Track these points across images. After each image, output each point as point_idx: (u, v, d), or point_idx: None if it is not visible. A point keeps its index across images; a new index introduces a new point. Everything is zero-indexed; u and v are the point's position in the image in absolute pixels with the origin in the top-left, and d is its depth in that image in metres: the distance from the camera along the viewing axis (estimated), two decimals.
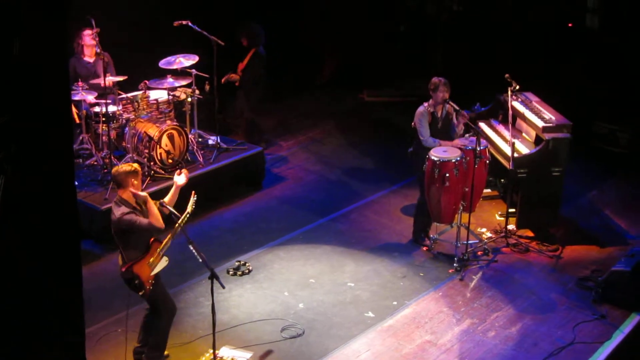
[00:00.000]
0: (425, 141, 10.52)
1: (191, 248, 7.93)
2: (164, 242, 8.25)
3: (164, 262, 8.26)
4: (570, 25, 15.84)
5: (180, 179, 8.44)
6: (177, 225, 8.09)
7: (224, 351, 8.75)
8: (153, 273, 8.14)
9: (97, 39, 11.56)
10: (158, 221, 8.09)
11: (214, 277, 7.90)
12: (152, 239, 8.17)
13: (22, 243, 5.38)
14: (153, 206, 8.14)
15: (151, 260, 8.13)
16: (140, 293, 8.18)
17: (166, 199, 8.34)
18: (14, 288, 5.49)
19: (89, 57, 11.94)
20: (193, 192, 8.44)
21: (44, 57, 4.92)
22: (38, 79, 4.88)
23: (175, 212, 8.12)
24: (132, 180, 8.10)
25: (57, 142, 5.24)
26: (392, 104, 16.48)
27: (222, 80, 12.98)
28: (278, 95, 15.55)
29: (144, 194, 8.22)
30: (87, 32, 11.67)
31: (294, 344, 9.03)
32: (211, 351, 8.31)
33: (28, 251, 5.47)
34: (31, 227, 5.41)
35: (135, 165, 8.20)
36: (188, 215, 8.22)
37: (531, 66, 15.08)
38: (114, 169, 8.30)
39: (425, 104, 10.57)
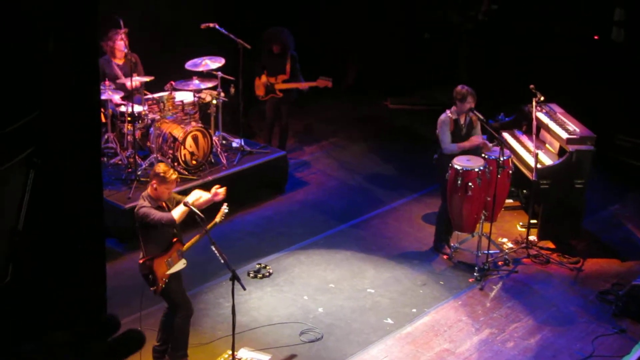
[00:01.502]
0: (446, 148, 10.55)
1: (213, 249, 7.98)
2: (186, 245, 8.32)
3: (181, 264, 8.32)
4: (596, 37, 15.80)
5: (217, 196, 8.44)
6: (203, 231, 8.15)
7: (242, 353, 8.78)
8: (169, 272, 8.20)
9: (125, 38, 11.63)
10: (177, 218, 8.15)
11: (235, 278, 7.94)
12: (175, 239, 8.24)
13: (47, 240, 5.42)
14: (180, 209, 8.20)
15: (169, 259, 8.20)
16: (152, 288, 8.24)
17: (195, 199, 8.36)
18: (36, 285, 5.53)
19: (119, 60, 11.99)
20: (225, 203, 8.51)
21: (75, 53, 4.97)
22: (69, 75, 4.92)
23: (198, 212, 8.16)
24: (154, 182, 8.16)
25: (85, 140, 5.28)
26: (416, 111, 16.49)
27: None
28: (301, 101, 15.57)
29: (181, 198, 8.33)
30: (120, 36, 11.69)
31: (312, 348, 9.06)
32: (230, 352, 8.35)
33: (53, 248, 5.51)
34: (57, 223, 5.45)
35: (171, 174, 8.19)
36: (215, 225, 8.31)
37: (555, 78, 15.05)
38: (157, 164, 8.42)
39: (448, 112, 10.59)
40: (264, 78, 13.06)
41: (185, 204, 8.18)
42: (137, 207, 8.21)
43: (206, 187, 11.12)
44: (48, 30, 4.55)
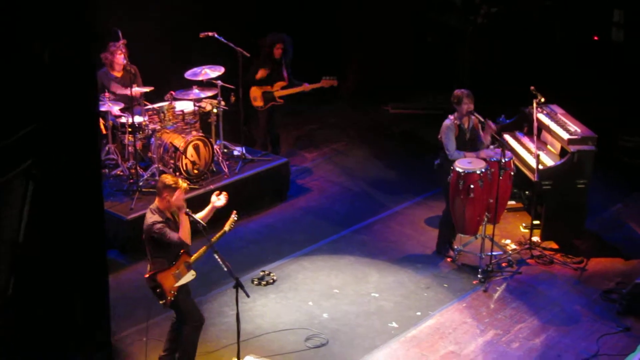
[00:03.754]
0: (451, 155, 10.53)
1: (216, 257, 7.98)
2: (193, 256, 8.31)
3: (190, 276, 8.30)
4: (595, 38, 15.82)
5: (219, 201, 8.48)
6: (211, 241, 8.15)
7: None
8: (177, 284, 8.19)
9: (124, 50, 11.66)
10: (187, 238, 8.16)
11: (238, 286, 7.94)
12: (182, 251, 8.22)
13: (48, 252, 5.43)
14: (187, 221, 8.20)
15: (177, 271, 8.18)
16: (161, 302, 8.23)
17: (200, 215, 8.37)
18: (38, 297, 5.54)
19: (117, 72, 12.02)
20: (234, 211, 8.50)
21: (72, 65, 4.99)
22: (66, 87, 4.94)
23: (200, 221, 8.17)
24: (166, 194, 8.14)
25: (84, 151, 5.29)
26: (417, 116, 16.49)
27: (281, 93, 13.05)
28: (302, 107, 15.60)
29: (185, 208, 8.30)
30: (119, 50, 11.71)
31: (318, 353, 9.06)
32: None
33: (53, 260, 5.52)
34: (57, 236, 5.46)
35: (181, 183, 8.19)
36: (225, 234, 8.32)
37: (557, 79, 15.08)
38: (162, 176, 8.38)
39: (451, 117, 10.58)
40: (255, 90, 13.00)
41: (187, 213, 8.18)
42: (149, 221, 8.10)
43: (208, 196, 11.18)
44: (44, 42, 4.58)
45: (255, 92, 13.06)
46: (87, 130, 5.13)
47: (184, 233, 8.16)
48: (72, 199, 5.33)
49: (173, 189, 8.12)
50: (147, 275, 8.17)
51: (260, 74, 12.99)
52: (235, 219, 8.47)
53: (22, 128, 4.47)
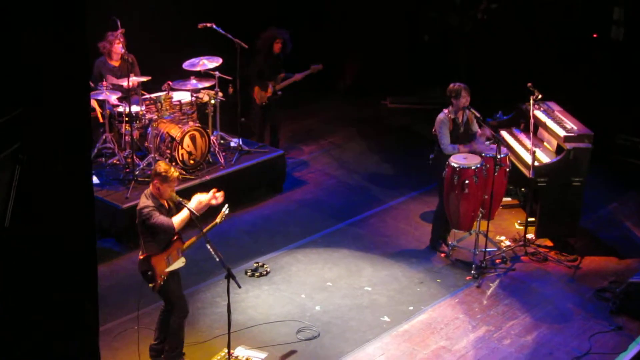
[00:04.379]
0: (445, 149, 10.53)
1: (208, 247, 7.97)
2: (186, 243, 8.31)
3: (180, 263, 8.30)
4: (595, 35, 15.79)
5: (214, 199, 8.37)
6: (202, 231, 8.13)
7: (239, 351, 8.79)
8: (168, 270, 8.19)
9: (122, 39, 11.64)
10: (179, 225, 8.14)
11: (230, 276, 7.94)
12: (175, 237, 8.23)
13: (36, 237, 5.41)
14: (184, 215, 8.20)
15: (169, 256, 8.19)
16: (151, 285, 8.22)
17: (191, 205, 8.31)
18: (25, 284, 5.53)
19: (115, 62, 12.00)
20: (226, 204, 8.48)
21: (62, 49, 4.97)
22: (55, 71, 4.93)
23: (194, 211, 8.15)
24: (156, 181, 8.14)
25: (73, 135, 5.28)
26: (415, 111, 16.50)
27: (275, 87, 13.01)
28: (300, 101, 15.58)
29: (182, 199, 8.26)
30: (117, 39, 11.69)
31: (309, 346, 9.06)
32: (226, 350, 8.35)
33: (41, 246, 5.50)
34: (45, 221, 5.44)
35: (173, 172, 8.13)
36: (216, 225, 8.31)
37: (554, 76, 15.04)
38: (158, 162, 8.39)
39: (446, 111, 10.57)
40: (270, 89, 12.98)
41: (189, 209, 8.15)
42: (140, 204, 8.15)
43: (204, 186, 11.18)
44: (34, 27, 4.57)
45: (262, 92, 13.03)
46: (77, 115, 5.12)
47: (179, 221, 8.15)
48: (61, 184, 5.32)
49: (163, 177, 8.11)
50: (141, 257, 8.15)
51: (269, 90, 12.98)
52: (227, 212, 8.44)
53: (9, 112, 4.46)
